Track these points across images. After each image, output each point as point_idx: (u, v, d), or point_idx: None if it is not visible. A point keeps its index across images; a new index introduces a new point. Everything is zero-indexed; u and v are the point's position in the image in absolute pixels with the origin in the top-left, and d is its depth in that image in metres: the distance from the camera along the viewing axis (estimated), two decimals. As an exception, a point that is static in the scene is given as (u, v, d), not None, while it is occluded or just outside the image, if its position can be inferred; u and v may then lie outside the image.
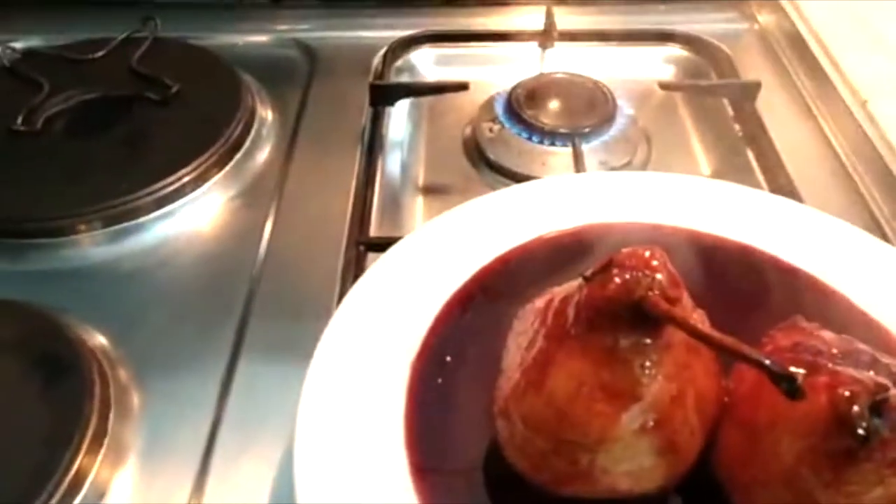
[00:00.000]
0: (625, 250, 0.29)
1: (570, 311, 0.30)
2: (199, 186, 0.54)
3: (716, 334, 0.26)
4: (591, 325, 0.29)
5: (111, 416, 0.41)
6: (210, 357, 0.44)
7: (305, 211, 0.54)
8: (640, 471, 0.29)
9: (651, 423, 0.28)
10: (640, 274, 0.28)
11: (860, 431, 0.23)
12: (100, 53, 0.62)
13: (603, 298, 0.28)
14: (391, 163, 0.61)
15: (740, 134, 0.60)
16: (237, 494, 0.38)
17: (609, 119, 0.59)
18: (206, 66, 0.62)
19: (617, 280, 0.28)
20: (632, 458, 0.29)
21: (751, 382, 0.31)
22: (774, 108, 0.62)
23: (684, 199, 0.45)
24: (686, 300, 0.29)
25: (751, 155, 0.59)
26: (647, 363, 0.28)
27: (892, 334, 0.38)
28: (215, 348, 0.45)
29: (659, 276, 0.28)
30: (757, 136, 0.59)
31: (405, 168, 0.61)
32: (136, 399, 0.42)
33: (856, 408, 0.23)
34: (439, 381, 0.37)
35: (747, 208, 0.45)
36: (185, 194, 0.53)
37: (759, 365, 0.25)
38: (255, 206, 0.54)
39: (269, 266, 0.50)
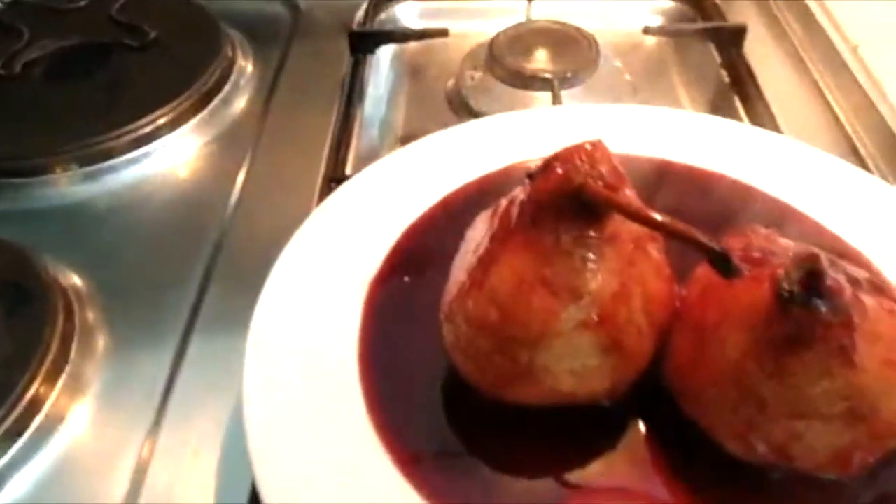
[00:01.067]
0: (568, 146, 0.28)
1: (515, 210, 0.29)
2: (174, 129, 0.53)
3: (653, 213, 0.25)
4: (534, 220, 0.28)
5: (73, 349, 0.40)
6: (177, 300, 0.44)
7: (281, 158, 0.53)
8: (583, 370, 0.28)
9: (593, 319, 0.28)
10: (581, 163, 0.27)
11: (783, 288, 0.22)
12: (81, 3, 0.62)
13: (544, 191, 0.27)
14: (371, 115, 0.60)
15: (727, 80, 0.59)
16: (194, 432, 0.37)
17: (591, 65, 0.58)
18: (186, 16, 0.61)
19: (559, 171, 0.27)
20: (574, 356, 0.28)
21: (702, 286, 0.30)
22: (763, 55, 0.60)
23: (659, 130, 0.45)
24: (631, 193, 0.28)
25: (738, 102, 0.58)
26: (590, 256, 0.27)
27: (862, 254, 0.37)
28: (184, 290, 0.44)
29: (602, 167, 0.27)
30: (744, 81, 0.57)
31: (385, 120, 0.61)
32: (101, 340, 0.42)
33: (780, 271, 0.22)
34: (397, 299, 0.37)
35: (721, 138, 0.44)
36: (161, 136, 0.53)
37: (696, 243, 0.24)
38: (230, 152, 0.54)
39: (242, 209, 0.49)
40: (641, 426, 0.32)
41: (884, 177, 0.50)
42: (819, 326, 0.24)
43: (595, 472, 0.31)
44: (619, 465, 0.31)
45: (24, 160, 0.50)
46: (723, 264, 0.23)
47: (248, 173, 0.52)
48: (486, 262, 0.29)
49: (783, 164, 0.42)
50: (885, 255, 0.37)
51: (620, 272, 0.28)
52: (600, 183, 0.27)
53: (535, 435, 0.32)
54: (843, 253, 0.37)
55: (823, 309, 0.24)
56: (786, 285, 0.22)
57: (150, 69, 0.57)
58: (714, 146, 0.43)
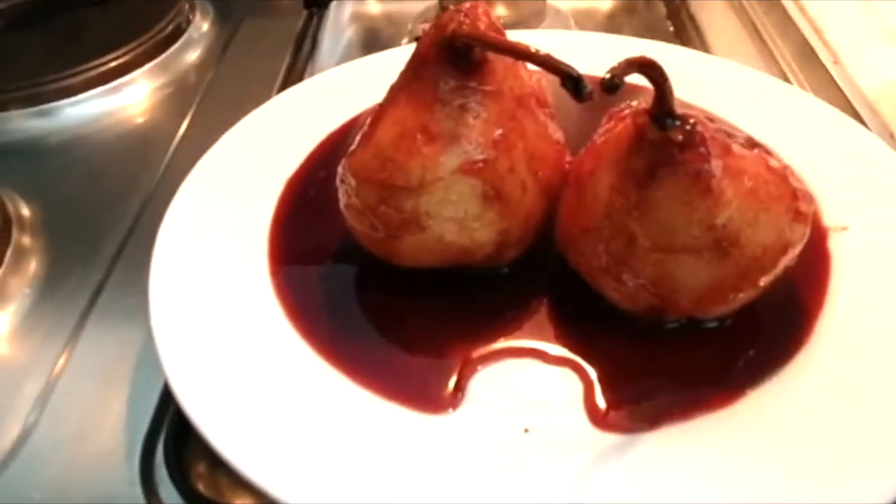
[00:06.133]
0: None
1: (402, 73, 0.30)
2: (126, 74, 0.56)
3: (515, 42, 0.26)
4: (416, 74, 0.29)
5: (4, 264, 0.42)
6: (111, 231, 0.45)
7: (227, 105, 0.54)
8: (465, 217, 0.29)
9: (472, 164, 0.28)
10: (457, 15, 0.28)
11: (606, 79, 0.22)
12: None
13: (423, 45, 0.29)
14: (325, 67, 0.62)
15: (671, 30, 0.60)
16: (109, 350, 0.38)
17: (538, 14, 0.59)
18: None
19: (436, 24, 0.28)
20: (456, 202, 0.29)
21: (587, 148, 0.30)
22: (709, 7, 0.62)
23: (576, 52, 0.45)
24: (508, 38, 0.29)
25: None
26: (470, 105, 0.28)
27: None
28: (118, 222, 0.45)
29: (479, 21, 0.28)
30: (684, 24, 0.59)
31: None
32: (32, 262, 0.43)
33: (610, 75, 0.23)
34: (311, 192, 0.38)
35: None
36: (113, 80, 0.55)
37: (552, 66, 0.25)
38: (179, 98, 0.56)
39: (184, 151, 0.50)
40: (545, 297, 0.33)
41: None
42: (673, 149, 0.25)
43: (499, 338, 0.31)
44: (520, 332, 0.32)
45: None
46: (575, 85, 0.24)
47: (192, 118, 0.54)
48: (374, 122, 0.30)
49: (698, 75, 0.43)
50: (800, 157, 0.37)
51: (500, 123, 0.29)
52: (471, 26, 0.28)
53: (443, 309, 0.33)
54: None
55: (676, 130, 0.25)
56: (608, 74, 0.22)
57: (107, 19, 0.59)
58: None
